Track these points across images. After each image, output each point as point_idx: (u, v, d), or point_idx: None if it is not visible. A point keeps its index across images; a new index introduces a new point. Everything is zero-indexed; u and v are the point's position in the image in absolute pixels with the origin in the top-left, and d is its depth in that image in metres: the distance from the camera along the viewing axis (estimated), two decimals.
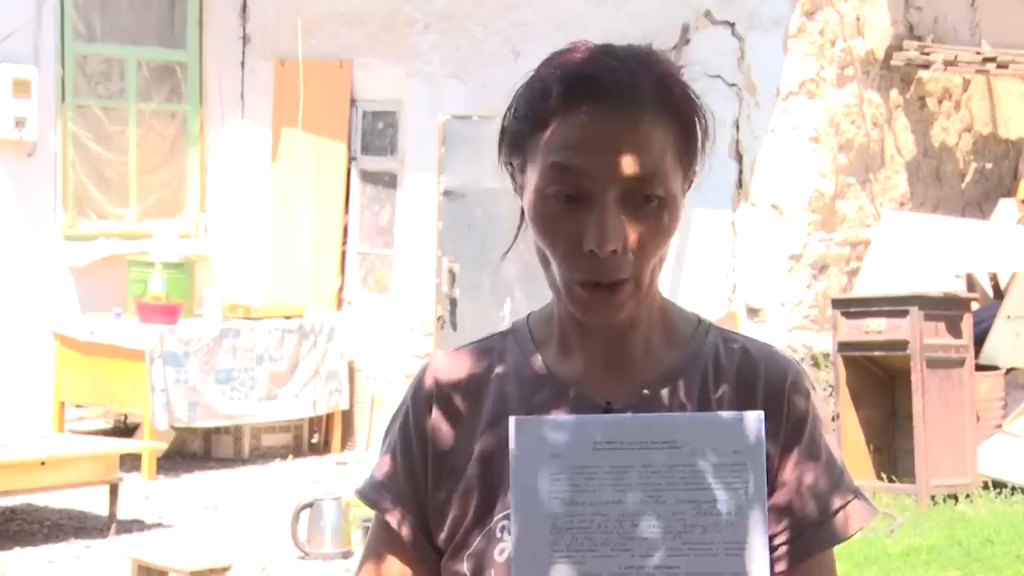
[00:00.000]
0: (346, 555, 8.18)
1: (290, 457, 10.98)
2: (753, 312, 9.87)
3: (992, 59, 10.53)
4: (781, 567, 1.80)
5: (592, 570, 1.68)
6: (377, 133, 11.69)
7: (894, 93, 10.42)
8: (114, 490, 8.68)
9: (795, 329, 9.86)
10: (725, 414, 1.74)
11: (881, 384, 9.35)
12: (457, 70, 11.08)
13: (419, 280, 11.08)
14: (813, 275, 9.91)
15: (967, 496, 8.89)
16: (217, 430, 10.83)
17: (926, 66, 10.36)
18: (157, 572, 7.04)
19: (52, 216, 11.09)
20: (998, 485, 8.97)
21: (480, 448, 1.84)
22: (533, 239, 1.80)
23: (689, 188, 1.82)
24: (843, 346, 9.17)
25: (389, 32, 11.44)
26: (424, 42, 11.26)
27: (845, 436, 9.10)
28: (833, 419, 9.16)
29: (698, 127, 1.80)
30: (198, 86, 11.91)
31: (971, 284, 10.17)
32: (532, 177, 1.78)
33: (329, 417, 11.30)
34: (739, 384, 1.83)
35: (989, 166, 11.15)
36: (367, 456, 10.92)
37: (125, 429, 11.18)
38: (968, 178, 11.01)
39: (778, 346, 2.09)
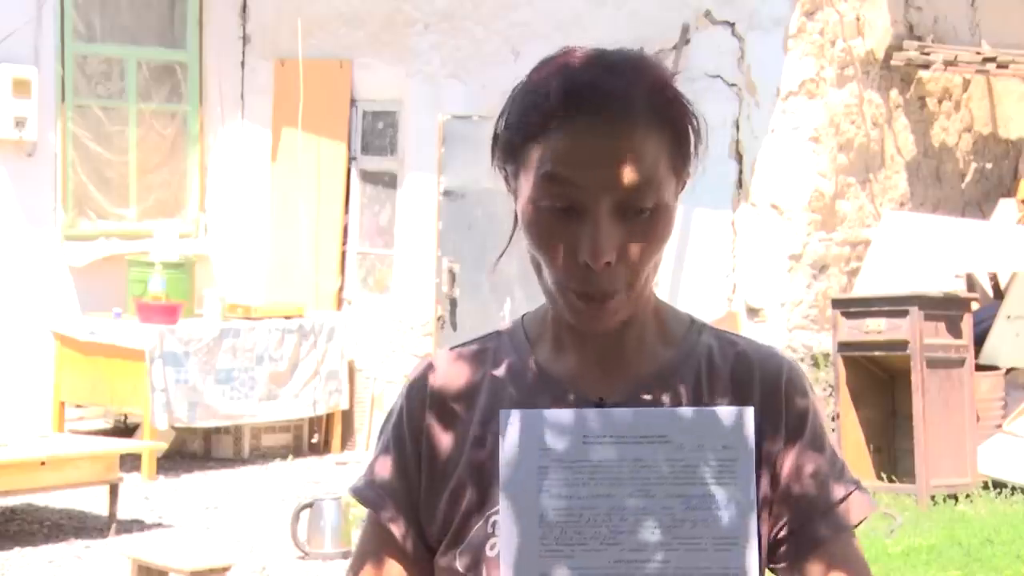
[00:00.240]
0: (346, 555, 8.18)
1: (290, 457, 10.98)
2: (753, 312, 9.87)
3: (992, 59, 10.53)
4: (786, 555, 1.80)
5: (581, 564, 1.68)
6: (377, 133, 11.69)
7: (894, 93, 10.41)
8: (114, 490, 8.68)
9: (795, 329, 9.86)
10: (715, 409, 1.74)
11: (881, 384, 9.35)
12: (457, 70, 11.08)
13: (419, 280, 11.08)
14: (813, 275, 9.91)
15: (967, 496, 8.89)
16: (217, 430, 10.83)
17: (926, 66, 10.36)
18: (157, 572, 7.04)
19: (52, 216, 11.10)
20: (998, 485, 8.97)
21: (472, 445, 1.84)
22: (526, 245, 1.80)
23: (682, 191, 1.82)
24: (843, 346, 9.17)
25: (389, 32, 11.44)
26: (424, 42, 11.27)
27: (845, 436, 9.10)
28: (833, 419, 9.16)
29: (691, 132, 1.80)
30: (198, 86, 11.92)
31: (971, 284, 10.17)
32: (525, 186, 1.78)
33: (329, 417, 11.31)
34: (734, 383, 1.83)
35: (989, 166, 11.15)
36: (367, 456, 10.90)
37: (125, 429, 11.19)
38: (968, 178, 11.01)
39: (778, 346, 2.10)
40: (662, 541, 1.68)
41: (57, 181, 11.12)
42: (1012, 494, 8.87)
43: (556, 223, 1.75)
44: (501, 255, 1.94)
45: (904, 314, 8.97)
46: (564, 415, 1.73)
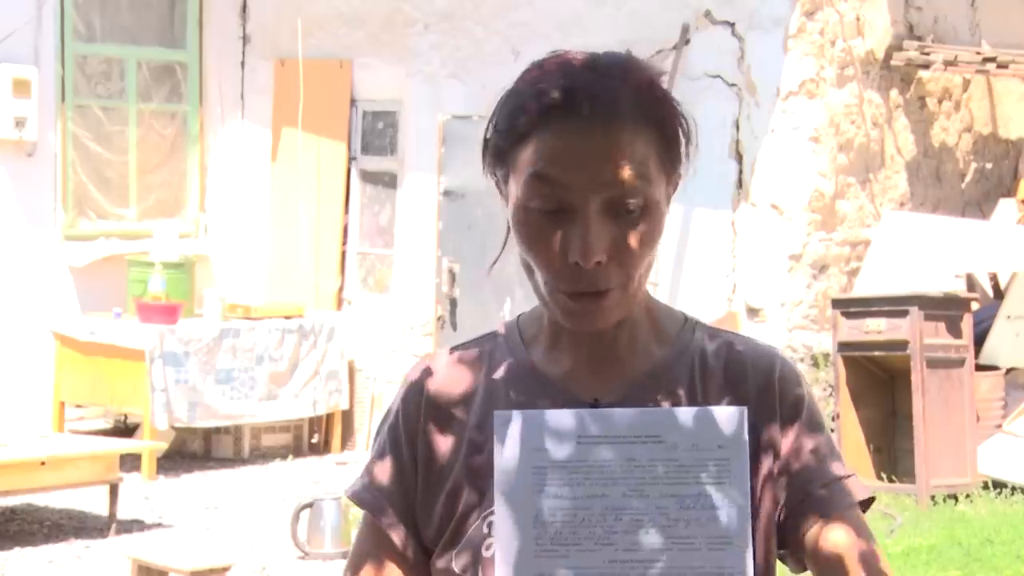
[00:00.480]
0: (346, 555, 8.15)
1: (290, 457, 10.98)
2: (753, 312, 9.87)
3: (992, 59, 10.53)
4: (792, 527, 1.80)
5: (577, 564, 1.68)
6: (377, 133, 11.70)
7: (894, 93, 10.41)
8: (114, 490, 8.68)
9: (795, 329, 9.86)
10: (710, 409, 1.74)
11: (881, 384, 9.35)
12: (457, 70, 11.08)
13: (419, 280, 11.08)
14: (813, 275, 9.91)
15: (967, 496, 8.89)
16: (217, 430, 10.83)
17: (926, 66, 10.36)
18: (157, 572, 7.04)
19: (52, 216, 11.10)
20: (998, 485, 8.97)
21: (469, 447, 1.84)
22: (518, 249, 1.80)
23: (674, 192, 1.83)
24: (843, 346, 9.17)
25: (389, 32, 11.44)
26: (424, 42, 11.27)
27: (845, 436, 9.09)
28: (833, 419, 9.16)
29: (680, 133, 1.80)
30: (198, 86, 11.92)
31: (971, 284, 10.17)
32: (514, 189, 1.79)
33: (329, 417, 11.31)
34: (728, 381, 1.84)
35: (989, 166, 11.15)
36: (366, 456, 10.92)
37: (125, 429, 11.19)
38: (968, 178, 11.01)
39: (778, 346, 2.10)
40: (657, 541, 1.68)
41: (57, 181, 11.12)
42: (1012, 494, 8.86)
43: (546, 225, 1.76)
44: (495, 260, 1.95)
45: (904, 314, 8.97)
46: (559, 416, 1.73)
